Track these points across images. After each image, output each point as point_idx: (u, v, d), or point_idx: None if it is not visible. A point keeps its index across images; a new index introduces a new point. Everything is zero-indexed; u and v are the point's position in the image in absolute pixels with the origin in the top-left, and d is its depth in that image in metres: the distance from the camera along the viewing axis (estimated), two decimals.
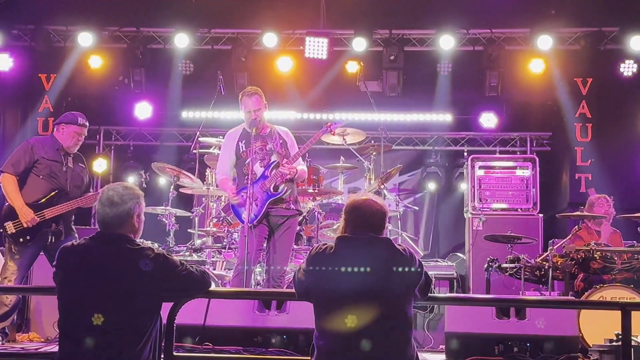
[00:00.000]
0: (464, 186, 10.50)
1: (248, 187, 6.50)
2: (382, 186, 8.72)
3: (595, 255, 7.23)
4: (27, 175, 6.72)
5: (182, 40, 10.87)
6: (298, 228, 8.36)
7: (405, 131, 11.68)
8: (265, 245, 6.76)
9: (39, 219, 6.57)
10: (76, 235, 6.91)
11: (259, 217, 6.68)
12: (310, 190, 8.38)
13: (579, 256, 7.28)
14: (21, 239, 6.62)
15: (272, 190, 6.63)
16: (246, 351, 5.46)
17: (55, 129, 6.96)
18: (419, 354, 3.90)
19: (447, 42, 10.64)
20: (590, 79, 11.06)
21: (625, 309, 4.41)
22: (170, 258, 4.03)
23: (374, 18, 10.96)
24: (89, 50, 10.99)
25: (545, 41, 10.55)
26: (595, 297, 6.87)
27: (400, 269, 3.81)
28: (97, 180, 11.65)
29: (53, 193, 6.71)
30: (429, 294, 4.07)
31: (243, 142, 6.86)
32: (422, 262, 3.96)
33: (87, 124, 7.02)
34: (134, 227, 4.07)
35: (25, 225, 6.54)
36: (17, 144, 7.07)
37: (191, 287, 4.15)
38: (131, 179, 11.13)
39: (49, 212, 6.63)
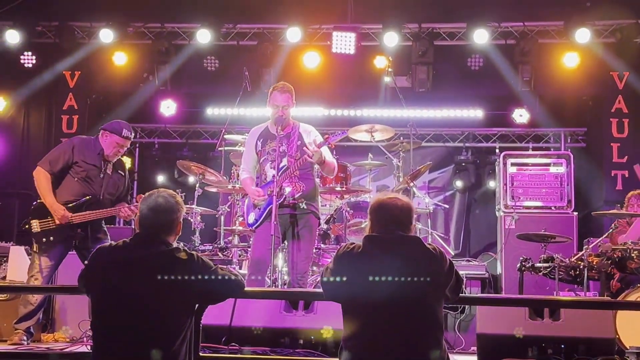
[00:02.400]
0: (495, 184, 10.46)
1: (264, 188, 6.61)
2: (412, 184, 8.70)
3: (633, 255, 7.17)
4: (63, 175, 6.78)
5: (206, 36, 10.91)
6: (325, 227, 8.40)
7: (435, 127, 11.65)
8: (284, 243, 6.78)
9: (71, 216, 6.64)
10: (108, 236, 6.97)
11: (259, 221, 6.71)
12: (338, 188, 8.36)
13: (615, 255, 7.23)
14: (44, 239, 6.68)
15: (276, 194, 6.60)
16: (273, 352, 5.47)
17: (100, 134, 6.95)
18: (450, 355, 3.88)
19: (480, 37, 10.58)
20: (627, 72, 10.98)
21: None
22: (207, 261, 4.07)
23: (403, 12, 10.95)
24: (113, 46, 11.08)
25: (583, 34, 10.47)
26: (632, 297, 6.81)
27: (430, 269, 3.80)
28: (133, 200, 11.73)
29: (85, 198, 6.76)
30: (460, 295, 4.05)
31: (261, 140, 6.87)
32: (453, 262, 3.95)
33: (132, 135, 7.03)
34: (175, 232, 4.15)
35: (57, 222, 6.61)
36: (41, 141, 7.12)
37: (228, 290, 4.19)
38: (160, 178, 11.22)
39: (77, 218, 6.69)
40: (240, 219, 8.46)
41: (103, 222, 7.04)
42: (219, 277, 4.05)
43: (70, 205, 6.69)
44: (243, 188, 7.11)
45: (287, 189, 6.57)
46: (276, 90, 6.81)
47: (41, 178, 6.72)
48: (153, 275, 3.90)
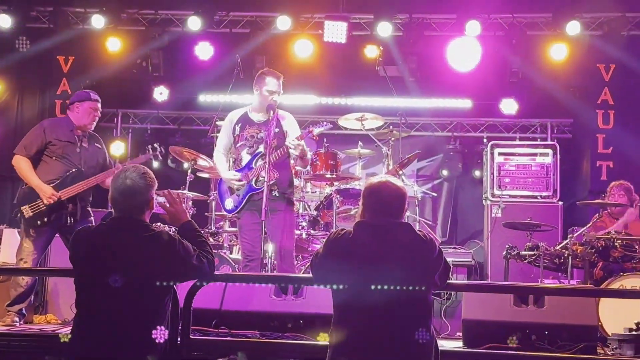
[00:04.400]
0: (483, 173, 10.48)
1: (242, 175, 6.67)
2: (401, 172, 8.72)
3: (616, 244, 7.23)
4: (40, 156, 6.79)
5: (200, 23, 10.84)
6: (315, 213, 8.41)
7: (424, 117, 11.66)
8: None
9: (59, 194, 6.63)
10: (92, 217, 6.97)
11: (239, 208, 6.73)
12: (328, 176, 8.37)
13: (599, 244, 7.27)
14: (39, 222, 6.68)
15: (254, 183, 6.62)
16: (262, 335, 5.48)
17: (69, 110, 7.01)
18: (436, 340, 3.89)
19: (471, 28, 10.56)
20: (613, 65, 10.99)
21: None
22: (184, 244, 4.07)
23: (394, 2, 10.93)
24: (107, 32, 11.02)
25: (573, 27, 10.46)
26: (615, 285, 6.87)
27: (420, 255, 3.81)
28: (115, 163, 11.68)
29: (67, 174, 6.75)
30: (447, 281, 4.06)
31: (239, 125, 6.85)
32: (442, 249, 3.96)
33: (100, 99, 7.04)
34: (148, 209, 4.14)
35: (46, 202, 6.60)
36: (34, 125, 7.08)
37: (200, 276, 4.25)
38: (155, 164, 11.18)
39: (64, 193, 6.69)
40: None
41: (90, 205, 7.03)
42: (194, 263, 4.07)
43: (55, 183, 6.68)
44: (216, 166, 7.07)
45: (263, 176, 6.52)
46: (270, 75, 6.78)
47: (21, 163, 6.73)
48: (137, 258, 3.94)
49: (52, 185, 6.68)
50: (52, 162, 6.78)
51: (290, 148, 6.59)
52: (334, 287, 3.87)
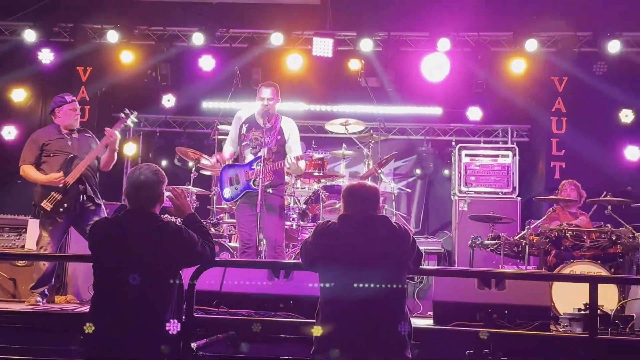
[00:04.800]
0: (451, 172, 10.50)
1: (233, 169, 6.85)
2: (379, 171, 8.73)
3: (567, 235, 7.27)
4: (40, 159, 6.78)
5: (203, 39, 10.84)
6: (304, 207, 8.41)
7: (401, 122, 11.66)
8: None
9: (65, 178, 6.61)
10: (103, 208, 6.93)
11: (235, 199, 6.80)
12: (316, 174, 8.38)
13: (552, 235, 7.31)
14: (60, 209, 6.66)
15: (252, 183, 6.66)
16: (257, 314, 5.48)
17: (52, 116, 6.98)
18: (410, 319, 3.91)
19: (442, 44, 10.61)
20: (566, 77, 11.05)
21: (593, 282, 4.43)
22: (189, 233, 4.07)
23: (374, 22, 10.95)
24: (121, 46, 10.98)
25: (531, 44, 10.52)
26: (566, 271, 6.91)
27: (396, 244, 3.83)
28: (127, 162, 11.68)
29: (66, 161, 6.74)
30: (420, 267, 4.08)
31: (247, 125, 6.90)
32: (415, 238, 3.98)
33: (74, 98, 7.06)
34: (159, 202, 4.13)
35: (60, 185, 6.59)
36: None
37: (203, 261, 4.24)
38: (163, 163, 11.15)
39: (70, 178, 6.66)
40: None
41: (99, 197, 6.99)
42: (198, 249, 4.08)
43: (59, 173, 6.67)
44: (221, 156, 7.11)
45: (257, 180, 6.63)
46: (263, 86, 6.92)
47: (26, 170, 6.74)
48: (147, 246, 3.94)
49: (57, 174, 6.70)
50: (50, 159, 6.77)
51: (285, 166, 6.73)
52: (320, 271, 3.89)
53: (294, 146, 6.91)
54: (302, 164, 6.87)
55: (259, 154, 6.69)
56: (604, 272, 6.82)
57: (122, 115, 7.19)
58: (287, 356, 4.66)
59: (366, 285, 3.72)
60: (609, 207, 7.77)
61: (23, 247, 8.13)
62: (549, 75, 11.08)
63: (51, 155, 6.76)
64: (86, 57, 11.25)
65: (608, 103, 10.97)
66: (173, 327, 4.01)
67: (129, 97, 11.34)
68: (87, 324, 3.91)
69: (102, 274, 4.00)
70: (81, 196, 6.74)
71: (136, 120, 7.77)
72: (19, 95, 11.47)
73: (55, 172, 6.64)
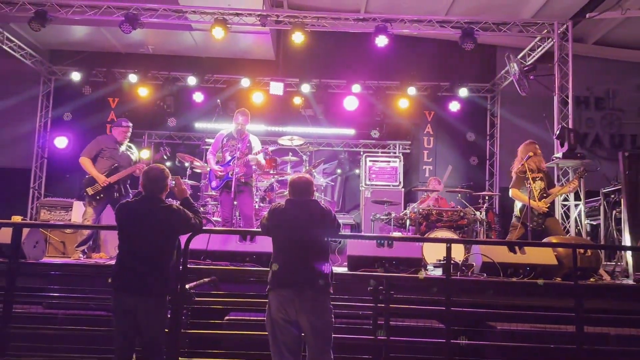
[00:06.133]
0: (360, 171, 10.59)
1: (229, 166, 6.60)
2: (313, 170, 8.74)
3: (433, 212, 7.43)
4: (97, 158, 6.64)
5: (195, 80, 10.72)
6: (263, 194, 8.36)
7: (327, 139, 11.64)
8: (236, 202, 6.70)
9: (109, 180, 6.54)
10: (130, 194, 6.80)
11: (218, 187, 6.71)
12: (272, 172, 8.35)
13: (423, 212, 7.46)
14: (98, 197, 6.55)
15: (229, 174, 6.60)
16: (232, 264, 5.45)
17: (112, 130, 6.92)
18: (332, 267, 3.93)
19: (355, 88, 10.69)
20: (433, 111, 11.28)
21: (448, 242, 4.52)
22: (184, 211, 4.00)
23: (311, 72, 10.96)
24: (139, 84, 10.80)
25: (411, 90, 10.72)
26: (432, 235, 7.06)
27: (323, 218, 3.83)
28: (139, 162, 11.44)
29: (112, 167, 6.63)
30: (339, 233, 4.10)
31: (226, 139, 6.84)
32: (336, 215, 3.99)
33: (130, 124, 6.92)
34: (164, 191, 4.04)
35: (102, 184, 6.50)
36: (92, 139, 6.97)
37: (195, 229, 4.13)
38: (168, 164, 10.90)
39: (112, 179, 6.58)
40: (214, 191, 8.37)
41: (129, 185, 6.86)
42: (192, 222, 4.01)
43: (106, 173, 6.58)
44: (208, 162, 6.94)
45: (237, 170, 6.56)
46: (238, 113, 6.83)
47: (85, 162, 6.59)
48: (156, 220, 3.86)
49: (104, 174, 6.57)
50: (103, 161, 6.63)
51: (250, 158, 6.65)
52: (273, 236, 3.87)
53: (256, 148, 6.85)
54: (260, 157, 6.77)
55: (234, 155, 6.64)
56: (455, 236, 6.99)
57: (161, 149, 7.13)
58: (252, 292, 4.63)
59: (303, 245, 3.71)
60: (459, 195, 7.97)
61: (70, 220, 7.92)
62: (423, 109, 11.28)
63: (104, 158, 6.64)
64: (114, 91, 11.04)
65: (459, 128, 11.26)
66: (174, 273, 3.95)
67: (144, 119, 11.14)
68: (114, 272, 3.82)
69: (125, 238, 3.90)
70: (115, 193, 6.64)
71: (168, 155, 7.57)
72: (67, 116, 11.28)
73: (102, 175, 6.54)
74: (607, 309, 4.67)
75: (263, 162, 6.99)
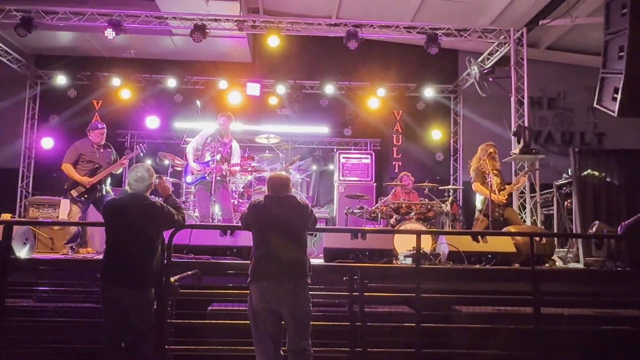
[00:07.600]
0: (334, 167, 10.63)
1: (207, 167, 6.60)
2: (289, 167, 8.73)
3: (403, 205, 7.50)
4: (77, 162, 6.60)
5: (175, 83, 10.62)
6: (242, 190, 8.32)
7: (303, 137, 11.65)
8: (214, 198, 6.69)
9: (93, 181, 6.50)
10: (112, 192, 6.75)
11: (194, 184, 6.71)
12: (249, 169, 8.28)
13: (394, 206, 7.53)
14: (82, 197, 6.52)
15: (207, 175, 6.60)
16: (213, 258, 5.43)
17: (88, 134, 6.81)
18: (309, 258, 3.96)
19: (328, 88, 10.70)
20: (401, 111, 11.37)
21: (418, 234, 4.55)
22: (168, 208, 3.98)
23: (286, 74, 10.93)
24: (122, 87, 10.65)
25: (381, 91, 10.80)
26: (402, 227, 7.12)
27: (300, 212, 3.85)
28: (119, 159, 11.29)
29: (93, 169, 6.60)
30: (315, 226, 4.13)
31: (209, 139, 6.79)
32: (312, 208, 4.02)
33: (104, 125, 6.86)
34: (149, 189, 4.02)
35: (87, 186, 6.48)
36: (76, 140, 6.91)
37: (177, 226, 4.13)
38: (148, 161, 10.77)
39: (94, 179, 6.55)
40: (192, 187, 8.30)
41: (109, 183, 6.81)
42: (175, 218, 4.01)
43: (87, 175, 6.55)
44: (186, 157, 6.88)
45: (213, 173, 6.58)
46: (221, 115, 6.81)
47: (68, 169, 6.57)
48: (142, 217, 3.84)
49: (86, 176, 6.53)
50: (84, 164, 6.61)
51: (223, 170, 6.64)
52: (253, 230, 3.88)
53: (234, 158, 6.85)
54: (233, 169, 6.79)
55: (214, 157, 6.61)
56: (424, 228, 7.06)
57: (137, 148, 7.06)
58: (233, 284, 4.62)
59: (282, 239, 3.72)
60: (426, 189, 8.08)
61: (57, 217, 7.80)
62: (392, 109, 11.35)
63: (85, 162, 6.60)
64: (99, 94, 10.86)
65: (425, 126, 11.40)
66: (159, 266, 3.92)
67: (128, 119, 11.03)
68: (101, 267, 3.78)
69: (111, 234, 3.87)
70: (97, 193, 6.61)
71: (143, 152, 7.45)
72: (53, 118, 11.07)
73: (85, 177, 6.51)
74: (561, 292, 4.80)
75: (236, 175, 6.99)
